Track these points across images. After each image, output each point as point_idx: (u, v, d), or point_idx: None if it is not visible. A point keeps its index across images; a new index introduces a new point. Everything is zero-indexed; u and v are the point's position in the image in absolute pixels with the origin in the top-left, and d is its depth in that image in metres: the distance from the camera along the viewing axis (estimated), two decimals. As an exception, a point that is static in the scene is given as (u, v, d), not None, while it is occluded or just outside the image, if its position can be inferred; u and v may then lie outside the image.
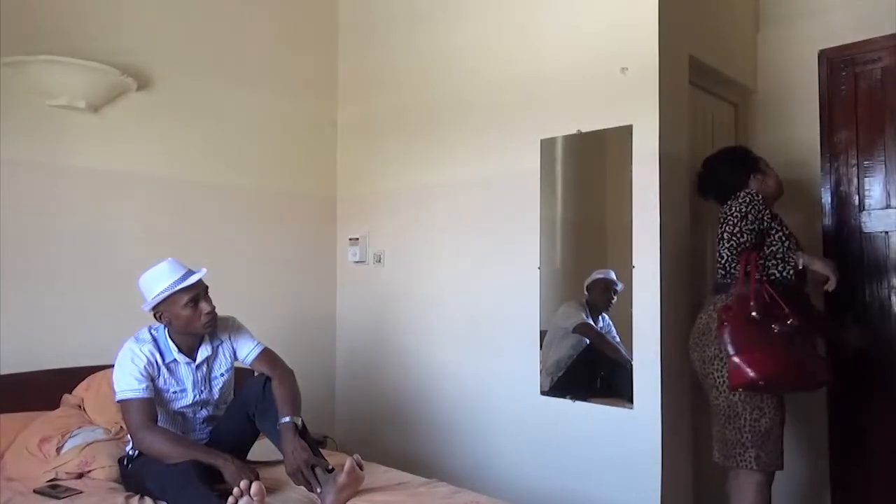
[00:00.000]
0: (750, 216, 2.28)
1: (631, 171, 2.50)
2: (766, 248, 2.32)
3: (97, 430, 2.35)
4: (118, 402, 2.14)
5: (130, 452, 2.16)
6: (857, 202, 2.86)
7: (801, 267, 2.33)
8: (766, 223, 2.32)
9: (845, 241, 2.87)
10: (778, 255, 2.32)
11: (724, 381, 2.27)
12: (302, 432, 2.12)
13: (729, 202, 2.35)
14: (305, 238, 3.52)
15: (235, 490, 1.83)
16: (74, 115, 2.68)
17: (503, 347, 2.90)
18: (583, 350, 2.74)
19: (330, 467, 2.04)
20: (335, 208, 3.64)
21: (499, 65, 2.94)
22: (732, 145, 2.87)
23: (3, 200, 2.52)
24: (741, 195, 2.33)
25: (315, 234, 3.56)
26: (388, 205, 3.41)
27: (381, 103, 3.45)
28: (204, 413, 2.29)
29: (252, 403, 2.22)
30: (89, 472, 2.17)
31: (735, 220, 2.28)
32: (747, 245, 2.27)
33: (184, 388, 2.24)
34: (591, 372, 2.71)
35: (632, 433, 2.48)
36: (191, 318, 2.18)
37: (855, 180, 2.86)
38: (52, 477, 2.13)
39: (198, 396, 2.26)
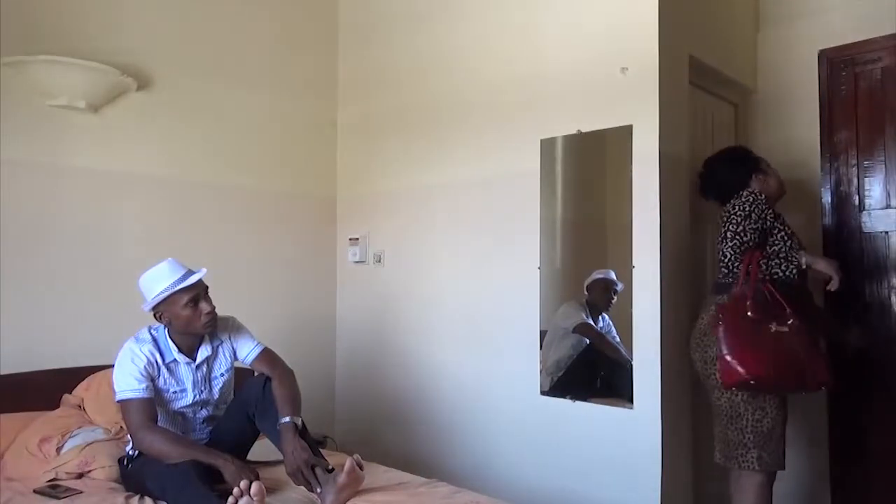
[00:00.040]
0: (753, 215, 2.28)
1: (631, 171, 2.50)
2: (768, 247, 2.32)
3: (97, 430, 2.35)
4: (118, 402, 2.14)
5: (130, 452, 2.16)
6: (857, 202, 2.86)
7: (804, 266, 2.33)
8: (768, 222, 2.32)
9: (845, 241, 2.87)
10: (781, 255, 2.32)
11: (722, 387, 2.27)
12: (302, 432, 2.12)
13: (732, 201, 2.35)
14: (305, 238, 3.52)
15: (235, 490, 1.83)
16: (74, 115, 2.68)
17: (503, 347, 2.90)
18: (583, 350, 2.74)
19: (330, 467, 2.04)
20: (335, 208, 3.64)
21: (499, 65, 2.94)
22: (733, 145, 2.87)
23: (3, 200, 2.52)
24: (744, 194, 2.33)
25: (315, 234, 3.56)
26: (388, 205, 3.41)
27: (381, 103, 3.45)
28: (204, 413, 2.29)
29: (252, 403, 2.22)
30: (89, 472, 2.17)
31: (739, 219, 2.28)
32: (750, 244, 2.28)
33: (184, 388, 2.24)
34: (591, 372, 2.71)
35: (632, 433, 2.48)
36: (191, 318, 2.18)
37: (855, 180, 2.86)
38: (52, 477, 2.13)
39: (198, 396, 2.26)
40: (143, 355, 2.15)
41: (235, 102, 3.22)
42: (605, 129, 2.60)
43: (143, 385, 2.12)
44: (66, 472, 2.15)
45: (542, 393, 2.76)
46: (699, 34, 2.73)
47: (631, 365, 2.49)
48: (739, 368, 2.14)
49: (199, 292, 2.19)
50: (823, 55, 2.92)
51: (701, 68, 2.72)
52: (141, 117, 2.89)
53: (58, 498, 2.00)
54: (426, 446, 3.14)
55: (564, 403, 2.69)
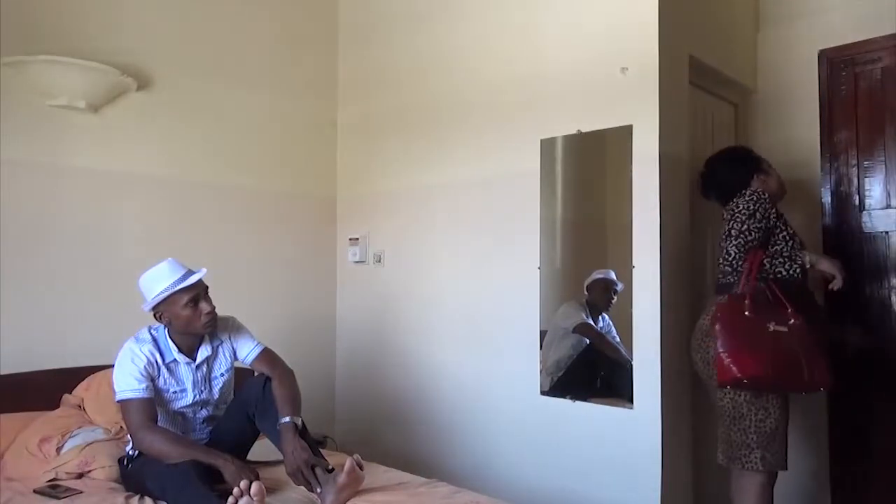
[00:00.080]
0: (758, 214, 2.28)
1: (631, 171, 2.50)
2: (770, 246, 2.32)
3: (97, 430, 2.35)
4: (118, 402, 2.14)
5: (130, 452, 2.16)
6: (857, 202, 2.86)
7: (808, 266, 2.33)
8: (771, 222, 2.32)
9: (845, 241, 2.86)
10: (784, 254, 2.32)
11: (717, 386, 2.27)
12: (302, 432, 2.12)
13: (735, 200, 2.35)
14: (305, 238, 3.52)
15: (235, 490, 1.83)
16: (74, 115, 2.68)
17: (503, 347, 2.89)
18: (583, 350, 2.74)
19: (330, 467, 2.04)
20: (335, 208, 3.64)
21: (499, 65, 2.94)
22: (735, 145, 2.87)
23: (3, 200, 2.52)
24: (748, 193, 2.33)
25: (315, 234, 3.56)
26: (388, 205, 3.41)
27: (381, 103, 3.45)
28: (204, 413, 2.29)
29: (252, 403, 2.22)
30: (89, 472, 2.17)
31: (743, 218, 2.28)
32: (755, 243, 2.27)
33: (184, 388, 2.24)
34: (591, 372, 2.71)
35: (632, 433, 2.48)
36: (191, 318, 2.18)
37: (855, 180, 2.86)
38: (52, 477, 2.13)
39: (198, 396, 2.26)
40: (143, 355, 2.15)
41: (235, 102, 3.22)
42: (605, 129, 2.60)
43: (143, 385, 2.12)
44: (66, 472, 2.15)
45: (542, 393, 2.76)
46: (699, 34, 2.72)
47: (631, 365, 2.49)
48: (733, 368, 2.14)
49: (199, 292, 2.19)
50: (823, 55, 2.92)
51: (701, 68, 2.72)
52: (141, 117, 2.89)
53: (58, 498, 2.00)
54: (426, 446, 3.14)
55: (564, 403, 2.69)
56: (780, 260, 2.32)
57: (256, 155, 3.31)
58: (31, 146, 2.60)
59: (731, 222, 2.30)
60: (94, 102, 2.69)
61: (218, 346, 2.32)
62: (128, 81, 2.75)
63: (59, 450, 2.23)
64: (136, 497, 2.02)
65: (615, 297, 2.65)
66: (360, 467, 1.99)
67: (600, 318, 2.72)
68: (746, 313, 2.19)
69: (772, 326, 2.18)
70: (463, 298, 3.07)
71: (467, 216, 3.06)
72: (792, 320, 2.19)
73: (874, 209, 2.82)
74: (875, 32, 2.77)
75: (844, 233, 2.88)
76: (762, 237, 2.29)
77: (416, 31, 3.30)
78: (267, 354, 2.34)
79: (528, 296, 2.79)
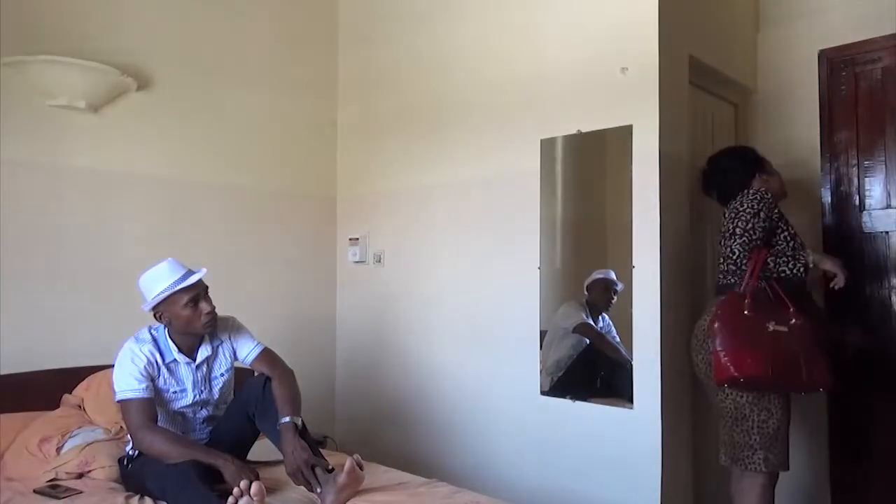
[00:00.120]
0: (762, 213, 2.28)
1: (631, 171, 2.50)
2: (772, 246, 2.32)
3: (97, 430, 2.35)
4: (118, 402, 2.14)
5: (130, 452, 2.16)
6: (857, 202, 2.86)
7: (811, 265, 2.33)
8: (774, 222, 2.32)
9: (845, 241, 2.86)
10: (788, 253, 2.32)
11: (715, 384, 2.27)
12: (302, 432, 2.12)
13: (739, 199, 2.34)
14: (305, 238, 3.52)
15: (235, 490, 1.83)
16: (74, 115, 2.68)
17: (503, 347, 2.89)
18: (583, 350, 2.74)
19: (330, 467, 2.04)
20: (335, 208, 3.64)
21: (499, 65, 2.94)
22: (739, 145, 2.87)
23: (3, 200, 2.52)
24: (752, 193, 2.33)
25: (315, 234, 3.56)
26: (388, 205, 3.41)
27: (381, 103, 3.45)
28: (204, 413, 2.29)
29: (252, 403, 2.22)
30: (89, 472, 2.17)
31: (748, 217, 2.27)
32: (758, 242, 2.27)
33: (184, 388, 2.24)
34: (591, 372, 2.71)
35: (632, 433, 2.48)
36: (191, 318, 2.18)
37: (855, 180, 2.86)
38: (52, 477, 2.13)
39: (198, 396, 2.26)
40: (143, 355, 2.15)
41: (235, 102, 3.22)
42: (605, 129, 2.60)
43: (143, 385, 2.12)
44: (66, 472, 2.15)
45: (542, 393, 2.76)
46: (699, 34, 2.72)
47: (631, 365, 2.49)
48: (730, 366, 2.14)
49: (199, 292, 2.19)
50: (823, 55, 2.92)
51: (701, 68, 2.72)
52: (141, 117, 2.89)
53: (58, 498, 2.00)
54: (426, 446, 3.14)
55: (564, 403, 2.69)
56: (784, 259, 2.31)
57: (256, 155, 3.31)
58: (31, 146, 2.60)
59: (735, 221, 2.30)
60: (94, 102, 2.70)
61: (218, 346, 2.32)
62: (128, 81, 2.75)
63: (59, 450, 2.23)
64: (136, 497, 2.02)
65: (615, 297, 2.65)
66: (360, 467, 1.99)
67: (600, 318, 2.72)
68: (746, 312, 2.19)
69: (771, 326, 2.17)
70: (463, 298, 3.06)
71: (467, 216, 3.06)
72: (793, 320, 2.19)
73: (874, 209, 2.82)
74: (875, 32, 2.77)
75: (844, 233, 2.88)
76: (765, 237, 2.29)
77: (416, 31, 3.30)
78: (267, 354, 2.34)
79: (528, 296, 2.79)
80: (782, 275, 2.30)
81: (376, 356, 3.40)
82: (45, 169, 2.65)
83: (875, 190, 2.82)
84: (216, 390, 2.30)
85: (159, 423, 2.14)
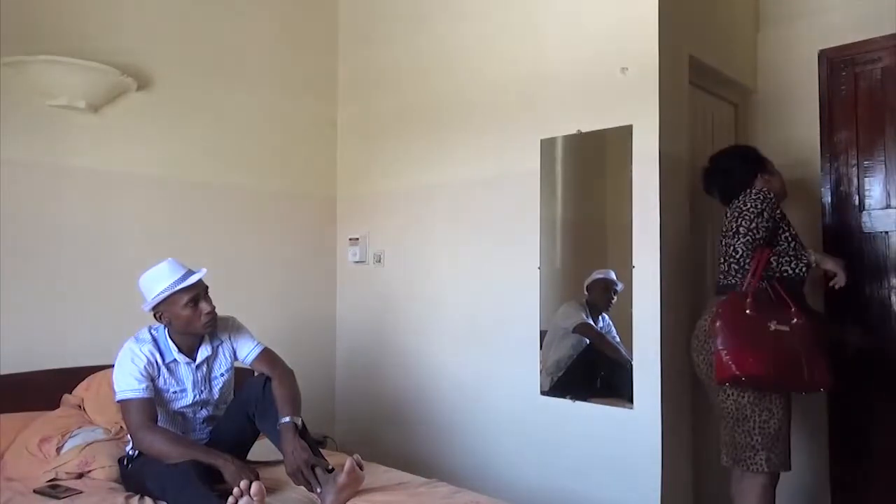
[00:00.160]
0: (766, 213, 2.28)
1: (631, 171, 2.50)
2: (774, 246, 2.32)
3: (97, 430, 2.35)
4: (118, 402, 2.14)
5: (130, 452, 2.16)
6: (857, 202, 2.86)
7: (813, 264, 2.34)
8: (776, 222, 2.32)
9: (845, 241, 2.86)
10: (790, 253, 2.32)
11: (716, 383, 2.26)
12: (302, 432, 2.12)
13: (742, 198, 2.34)
14: (305, 238, 3.52)
15: (235, 490, 1.83)
16: (74, 115, 2.68)
17: (503, 347, 2.89)
18: (583, 350, 2.74)
19: (330, 467, 2.04)
20: (335, 208, 3.64)
21: (498, 65, 2.94)
22: (741, 144, 2.86)
23: (3, 200, 2.52)
24: (754, 192, 2.32)
25: (315, 234, 3.56)
26: (388, 205, 3.41)
27: (381, 103, 3.45)
28: (204, 413, 2.29)
29: (252, 403, 2.22)
30: (89, 472, 2.17)
31: (751, 216, 2.27)
32: (761, 242, 2.27)
33: (184, 388, 2.24)
34: (591, 372, 2.71)
35: (632, 433, 2.48)
36: (191, 318, 2.18)
37: (855, 180, 2.86)
38: (52, 477, 2.13)
39: (198, 396, 2.26)
40: (143, 355, 2.15)
41: (235, 102, 3.22)
42: (605, 129, 2.60)
43: (143, 385, 2.12)
44: (66, 472, 2.15)
45: (542, 393, 2.76)
46: (699, 34, 2.73)
47: (631, 365, 2.49)
48: (732, 365, 2.14)
49: (199, 292, 2.19)
50: (823, 55, 2.92)
51: (701, 68, 2.72)
52: (141, 117, 2.89)
53: (58, 498, 2.00)
54: (426, 446, 3.14)
55: (564, 403, 2.69)
56: (786, 258, 2.31)
57: (256, 155, 3.31)
58: (31, 146, 2.60)
59: (739, 220, 2.29)
60: (94, 102, 2.69)
61: (218, 346, 2.32)
62: (128, 81, 2.75)
63: (59, 450, 2.23)
64: (136, 497, 2.02)
65: (615, 297, 2.65)
66: (360, 467, 1.99)
67: (600, 318, 2.72)
68: (748, 311, 2.19)
69: (773, 325, 2.17)
70: (463, 298, 3.07)
71: (467, 216, 3.06)
72: (795, 319, 2.19)
73: (874, 209, 2.82)
74: (875, 32, 2.77)
75: (844, 233, 2.88)
76: (768, 236, 2.29)
77: (416, 31, 3.30)
78: (267, 354, 2.34)
79: (528, 296, 2.79)
80: (784, 274, 2.30)
81: (376, 356, 3.40)
82: (45, 169, 2.65)
83: (875, 190, 2.82)
84: (216, 390, 2.30)
85: (159, 423, 2.14)
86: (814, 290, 2.60)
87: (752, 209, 2.28)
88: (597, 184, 2.84)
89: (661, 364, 2.42)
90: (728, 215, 2.37)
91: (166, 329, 2.22)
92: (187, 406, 2.25)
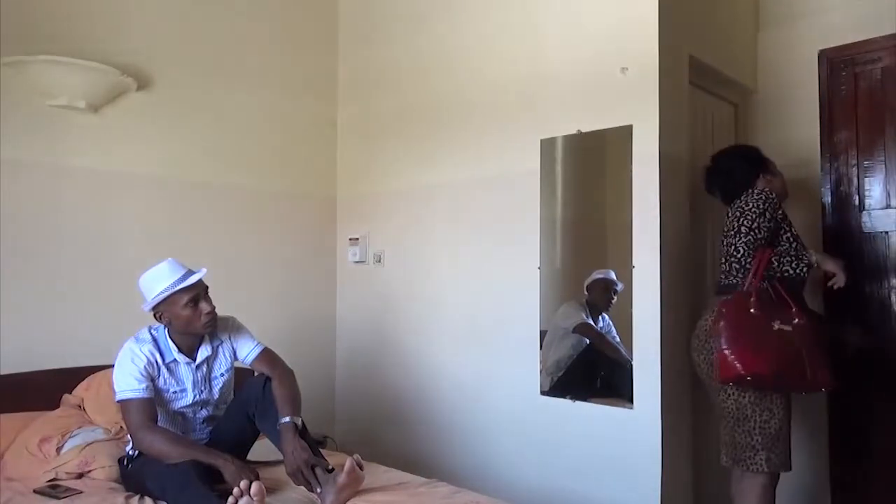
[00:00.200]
0: (768, 213, 2.28)
1: (631, 171, 2.50)
2: (776, 246, 2.32)
3: (97, 430, 2.35)
4: (118, 402, 2.14)
5: (130, 452, 2.16)
6: (857, 202, 2.86)
7: (814, 265, 2.34)
8: (778, 222, 2.32)
9: (845, 241, 2.86)
10: (791, 253, 2.32)
11: (719, 382, 2.26)
12: (302, 432, 2.12)
13: (744, 198, 2.34)
14: (305, 238, 3.52)
15: (235, 490, 1.83)
16: (74, 115, 2.68)
17: (503, 347, 2.89)
18: (583, 350, 2.74)
19: (330, 467, 2.04)
20: (335, 208, 3.64)
21: (498, 65, 2.94)
22: (744, 144, 2.86)
23: (3, 200, 2.52)
24: (756, 192, 2.32)
25: (315, 234, 3.56)
26: (388, 205, 3.41)
27: (381, 103, 3.45)
28: (204, 413, 2.29)
29: (252, 403, 2.22)
30: (89, 472, 2.17)
31: (753, 216, 2.27)
32: (762, 241, 2.27)
33: (184, 388, 2.24)
34: (591, 372, 2.72)
35: (632, 433, 2.48)
36: (191, 318, 2.18)
37: (855, 180, 2.86)
38: (52, 477, 2.13)
39: (198, 396, 2.26)
40: (143, 355, 2.15)
41: (235, 102, 3.22)
42: (605, 129, 2.60)
43: (143, 385, 2.12)
44: (66, 472, 2.15)
45: (542, 393, 2.76)
46: (699, 34, 2.73)
47: (631, 365, 2.49)
48: (737, 364, 2.14)
49: (199, 292, 2.19)
50: (823, 55, 2.92)
51: (701, 68, 2.72)
52: (141, 117, 2.89)
53: (58, 498, 2.00)
54: (426, 446, 3.14)
55: (564, 403, 2.69)
56: (787, 259, 2.32)
57: (256, 155, 3.31)
58: (31, 146, 2.60)
59: (741, 219, 2.29)
60: (94, 102, 2.69)
61: (218, 346, 2.32)
62: (128, 81, 2.75)
63: (59, 450, 2.23)
64: (136, 497, 2.02)
65: (615, 297, 2.65)
66: (360, 467, 1.99)
67: (600, 318, 2.72)
68: (752, 311, 2.19)
69: (777, 325, 2.17)
70: (463, 298, 3.06)
71: (467, 216, 3.06)
72: (796, 319, 2.19)
73: (874, 209, 2.82)
74: (875, 32, 2.77)
75: (844, 233, 2.87)
76: (769, 236, 2.29)
77: (416, 31, 3.30)
78: (267, 354, 2.34)
79: (528, 296, 2.79)
80: (785, 274, 2.30)
81: (376, 356, 3.40)
82: (45, 169, 2.65)
83: (875, 190, 2.82)
84: (216, 390, 2.30)
85: (159, 423, 2.14)
86: (814, 291, 2.60)
87: (754, 209, 2.28)
88: (597, 184, 2.85)
89: (661, 364, 2.42)
90: (730, 215, 2.37)
91: (166, 329, 2.22)
92: (187, 406, 2.25)
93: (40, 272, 2.62)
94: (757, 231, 2.26)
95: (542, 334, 2.77)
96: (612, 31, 2.58)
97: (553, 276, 2.79)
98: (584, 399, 2.64)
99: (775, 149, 2.81)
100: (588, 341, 2.74)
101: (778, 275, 2.29)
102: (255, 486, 1.84)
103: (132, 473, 2.11)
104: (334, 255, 3.63)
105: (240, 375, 2.41)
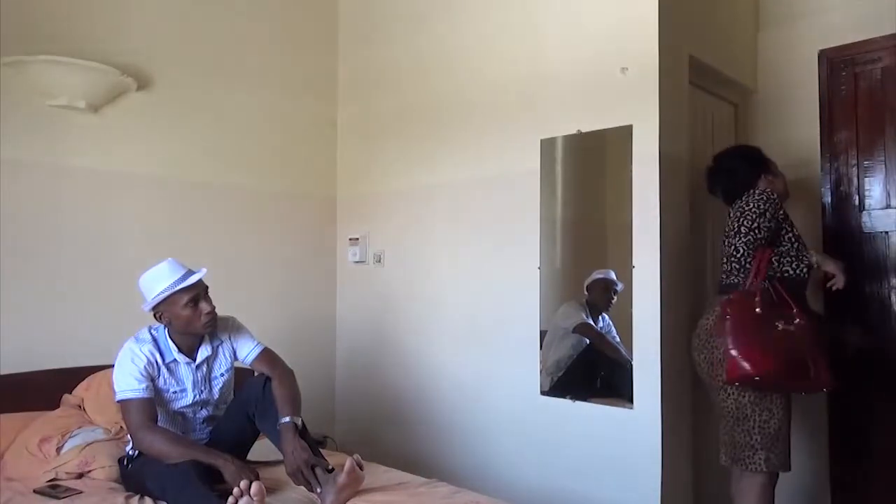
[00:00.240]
0: (768, 213, 2.28)
1: (631, 171, 2.50)
2: (777, 247, 2.32)
3: (97, 430, 2.35)
4: (118, 402, 2.14)
5: (130, 452, 2.16)
6: (857, 202, 2.86)
7: (815, 265, 2.34)
8: (779, 222, 2.32)
9: (845, 241, 2.86)
10: (791, 254, 2.32)
11: (725, 382, 2.26)
12: (302, 432, 2.12)
13: (745, 198, 2.34)
14: (305, 238, 3.52)
15: (235, 490, 1.83)
16: (74, 115, 2.68)
17: (503, 347, 2.89)
18: (583, 350, 2.74)
19: (330, 467, 2.04)
20: (335, 208, 3.64)
21: (498, 65, 2.94)
22: (745, 144, 2.86)
23: (3, 200, 2.52)
24: (757, 193, 2.32)
25: (315, 234, 3.56)
26: (388, 205, 3.41)
27: (381, 103, 3.45)
28: (204, 413, 2.29)
29: (252, 403, 2.22)
30: (89, 472, 2.17)
31: (754, 216, 2.27)
32: (762, 242, 2.27)
33: (184, 388, 2.24)
34: (591, 372, 2.72)
35: (632, 433, 2.48)
36: (191, 318, 2.17)
37: (855, 180, 2.86)
38: (52, 477, 2.13)
39: (198, 396, 2.26)
40: (143, 355, 2.15)
41: (235, 102, 3.22)
42: (605, 129, 2.60)
43: (143, 385, 2.12)
44: (66, 472, 2.15)
45: (542, 393, 2.76)
46: (699, 34, 2.73)
47: (631, 365, 2.49)
48: (745, 364, 2.13)
49: (199, 292, 2.19)
50: (823, 55, 2.92)
51: (701, 68, 2.72)
52: (141, 117, 2.89)
53: (58, 498, 2.00)
54: (426, 446, 3.14)
55: (564, 403, 2.69)
56: (788, 259, 2.32)
57: (256, 155, 3.31)
58: (31, 146, 2.60)
59: (741, 219, 2.29)
60: (94, 102, 2.69)
61: (218, 346, 2.32)
62: (128, 81, 2.75)
63: (59, 450, 2.23)
64: (136, 497, 2.02)
65: (615, 297, 2.65)
66: (360, 467, 1.99)
67: (600, 318, 2.72)
68: (758, 310, 2.19)
69: (780, 325, 2.17)
70: (463, 298, 3.07)
71: (467, 216, 3.06)
72: (797, 320, 2.19)
73: (874, 209, 2.82)
74: (875, 32, 2.77)
75: (844, 233, 2.88)
76: (770, 237, 2.29)
77: (416, 31, 3.30)
78: (267, 354, 2.34)
79: (528, 296, 2.79)
80: (785, 275, 2.30)
81: (376, 356, 3.40)
82: (45, 169, 2.65)
83: (875, 190, 2.82)
84: (216, 390, 2.30)
85: (159, 423, 2.14)
86: (814, 291, 2.60)
87: (754, 209, 2.28)
88: (597, 184, 2.85)
89: (661, 364, 2.42)
90: (731, 215, 2.37)
91: (166, 329, 2.22)
92: (187, 406, 2.25)
93: (40, 272, 2.62)
94: (757, 231, 2.26)
95: (542, 334, 2.77)
96: (612, 31, 2.58)
97: (553, 276, 2.79)
98: (584, 399, 2.64)
99: (775, 149, 2.81)
100: (588, 341, 2.74)
101: (777, 275, 2.29)
102: (255, 486, 1.84)
103: (132, 473, 2.11)
104: (334, 255, 3.63)
105: (240, 375, 2.41)
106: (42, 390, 2.48)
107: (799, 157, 2.94)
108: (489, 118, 2.97)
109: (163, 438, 2.06)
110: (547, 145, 2.77)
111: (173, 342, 2.22)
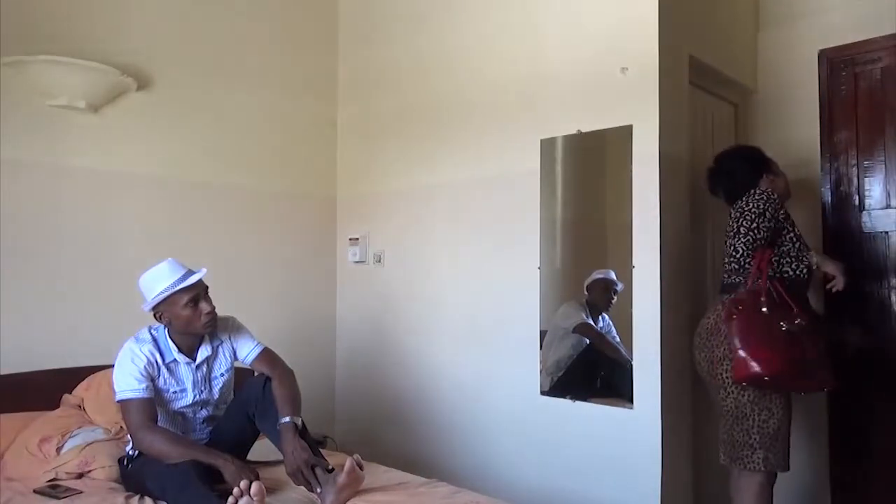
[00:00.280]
0: (768, 213, 2.28)
1: (631, 171, 2.50)
2: (777, 247, 2.32)
3: (97, 430, 2.35)
4: (118, 402, 2.14)
5: (130, 452, 2.16)
6: (857, 202, 2.86)
7: (814, 266, 2.34)
8: (780, 222, 2.32)
9: (845, 241, 2.86)
10: (792, 254, 2.32)
11: (732, 382, 2.26)
12: (302, 432, 2.12)
13: (745, 198, 2.34)
14: (305, 238, 3.52)
15: (235, 490, 1.83)
16: (74, 115, 2.68)
17: (503, 347, 2.89)
18: (583, 350, 2.74)
19: (330, 467, 2.04)
20: (335, 208, 3.64)
21: (498, 65, 2.94)
22: (746, 144, 2.86)
23: (3, 200, 2.52)
24: (758, 193, 2.32)
25: (315, 234, 3.56)
26: (388, 205, 3.41)
27: (381, 103, 3.45)
28: (204, 413, 2.29)
29: (252, 403, 2.22)
30: (89, 472, 2.17)
31: (753, 216, 2.27)
32: (763, 242, 2.27)
33: (184, 388, 2.24)
34: (591, 372, 2.71)
35: (632, 433, 2.48)
36: (191, 318, 2.18)
37: (855, 180, 2.86)
38: (52, 477, 2.13)
39: (198, 396, 2.26)
40: (143, 355, 2.15)
41: (235, 102, 3.22)
42: (605, 129, 2.60)
43: (143, 385, 2.12)
44: (66, 472, 2.15)
45: (542, 393, 2.76)
46: (699, 34, 2.73)
47: (631, 365, 2.49)
48: (754, 364, 2.13)
49: (199, 292, 2.19)
50: (823, 55, 2.92)
51: (701, 68, 2.72)
52: (141, 117, 2.89)
53: (58, 498, 2.00)
54: (426, 446, 3.14)
55: (564, 403, 2.69)
56: (788, 260, 2.32)
57: (256, 155, 3.31)
58: (31, 146, 2.60)
59: (741, 219, 2.29)
60: (94, 102, 2.69)
61: (218, 346, 2.32)
62: (128, 81, 2.75)
63: (59, 450, 2.23)
64: (136, 497, 2.02)
65: (615, 297, 2.65)
66: (360, 467, 1.99)
67: (600, 318, 2.72)
68: (764, 310, 2.19)
69: (784, 325, 2.17)
70: (463, 298, 3.07)
71: (467, 216, 3.06)
72: (799, 320, 2.19)
73: (874, 209, 2.82)
74: (875, 32, 2.77)
75: (844, 233, 2.88)
76: (770, 237, 2.29)
77: (416, 31, 3.30)
78: (267, 354, 2.34)
79: (528, 296, 2.79)
80: (785, 275, 2.30)
81: (376, 356, 3.40)
82: (45, 169, 2.65)
83: (875, 190, 2.82)
84: (216, 390, 2.30)
85: (159, 423, 2.14)
86: (814, 291, 2.59)
87: (754, 209, 2.28)
88: (597, 184, 2.84)
89: (661, 364, 2.42)
90: (732, 215, 2.38)
91: (166, 329, 2.22)
92: (187, 406, 2.25)
93: (40, 272, 2.62)
94: (756, 231, 2.26)
95: (542, 334, 2.77)
96: (612, 31, 2.58)
97: (553, 276, 2.79)
98: (584, 399, 2.64)
99: (775, 149, 2.81)
100: (588, 341, 2.74)
101: (777, 275, 2.29)
102: (255, 486, 1.84)
103: (132, 473, 2.11)
104: (334, 255, 3.63)
105: (240, 375, 2.41)
106: (42, 390, 2.48)
107: (799, 157, 2.94)
108: (489, 118, 2.97)
109: (163, 438, 2.06)
110: (547, 145, 2.77)
111: (173, 342, 2.22)
